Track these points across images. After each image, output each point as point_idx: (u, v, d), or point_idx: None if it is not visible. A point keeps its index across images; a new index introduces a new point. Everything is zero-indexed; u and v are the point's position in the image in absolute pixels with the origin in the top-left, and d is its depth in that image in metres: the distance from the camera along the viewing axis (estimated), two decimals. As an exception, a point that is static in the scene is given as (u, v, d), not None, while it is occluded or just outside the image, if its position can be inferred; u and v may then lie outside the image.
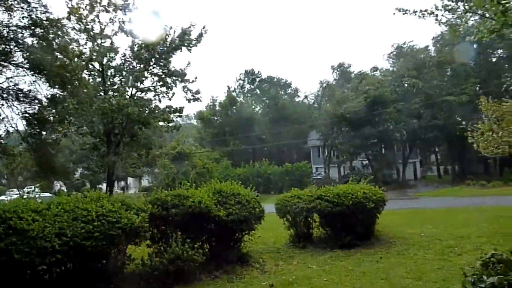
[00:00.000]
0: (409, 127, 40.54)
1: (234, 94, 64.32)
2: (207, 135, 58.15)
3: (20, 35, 12.87)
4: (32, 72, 13.40)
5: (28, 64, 13.07)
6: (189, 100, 20.54)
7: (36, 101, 14.32)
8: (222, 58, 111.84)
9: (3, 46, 12.55)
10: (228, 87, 66.91)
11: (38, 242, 5.67)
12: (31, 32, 12.93)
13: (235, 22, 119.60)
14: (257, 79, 69.10)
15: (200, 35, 19.68)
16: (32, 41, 13.18)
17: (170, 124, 20.81)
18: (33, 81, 13.92)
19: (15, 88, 13.87)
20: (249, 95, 67.64)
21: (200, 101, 20.95)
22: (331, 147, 47.99)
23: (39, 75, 13.40)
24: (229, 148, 53.19)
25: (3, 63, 13.08)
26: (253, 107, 64.55)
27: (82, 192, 7.94)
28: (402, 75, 41.29)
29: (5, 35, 12.48)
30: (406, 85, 40.61)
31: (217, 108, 60.81)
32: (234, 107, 58.88)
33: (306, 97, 68.23)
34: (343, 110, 39.25)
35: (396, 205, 19.22)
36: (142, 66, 19.28)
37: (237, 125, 56.29)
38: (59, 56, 13.42)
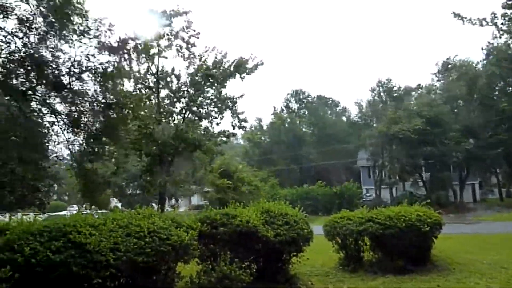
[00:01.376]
0: (466, 146, 38.39)
1: (281, 114, 64.72)
2: (254, 155, 58.58)
3: (79, 67, 13.91)
4: (91, 104, 14.39)
5: (87, 95, 14.05)
6: (234, 127, 21.21)
7: (94, 128, 15.32)
8: (267, 78, 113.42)
9: (67, 78, 13.61)
10: (274, 107, 67.66)
11: (94, 256, 5.90)
12: (89, 65, 13.92)
13: (277, 43, 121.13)
14: (305, 99, 69.09)
15: (256, 66, 20.30)
16: (95, 69, 14.19)
17: (218, 148, 21.45)
18: (92, 109, 14.95)
19: (77, 115, 14.95)
20: (296, 114, 67.63)
21: (245, 129, 21.66)
22: (381, 168, 46.48)
23: (97, 106, 14.34)
24: (277, 167, 53.13)
25: (65, 93, 14.18)
26: (301, 127, 64.36)
27: (135, 209, 8.21)
28: (453, 91, 39.45)
29: (60, 67, 13.53)
30: (459, 102, 38.70)
31: (264, 128, 61.36)
32: (282, 127, 59.07)
33: (348, 117, 66.83)
34: (395, 130, 38.05)
35: (454, 229, 18.09)
36: (197, 91, 20.10)
37: (284, 145, 56.32)
38: (116, 88, 14.29)
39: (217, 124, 21.15)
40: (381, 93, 49.43)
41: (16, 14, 12.53)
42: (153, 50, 19.63)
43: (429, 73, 60.08)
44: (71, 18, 12.71)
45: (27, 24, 12.59)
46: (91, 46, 13.84)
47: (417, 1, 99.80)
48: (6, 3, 12.37)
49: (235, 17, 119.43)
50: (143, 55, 19.31)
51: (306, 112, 67.66)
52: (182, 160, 20.07)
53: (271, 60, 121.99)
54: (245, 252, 8.53)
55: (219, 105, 20.77)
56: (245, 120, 21.56)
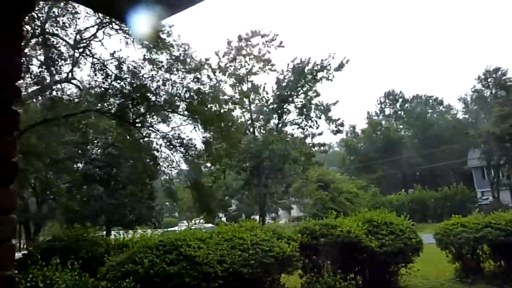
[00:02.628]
0: None
1: (376, 118, 62.17)
2: (351, 163, 56.96)
3: (181, 90, 15.24)
4: (192, 121, 15.62)
5: (188, 114, 15.29)
6: (334, 132, 21.00)
7: (195, 146, 16.60)
8: (358, 82, 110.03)
9: (171, 100, 14.98)
10: (368, 112, 65.19)
11: (204, 268, 6.29)
12: (188, 87, 15.18)
13: (364, 45, 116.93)
14: (400, 100, 65.37)
15: (341, 65, 20.01)
16: (191, 94, 15.40)
17: (313, 159, 21.37)
18: (192, 129, 16.29)
19: (179, 135, 16.38)
20: (392, 117, 64.28)
21: (342, 132, 21.32)
22: (498, 167, 41.50)
23: (196, 123, 15.50)
24: (376, 175, 50.90)
25: (171, 113, 15.62)
26: (398, 130, 60.94)
27: (238, 222, 8.59)
28: None
29: (171, 91, 14.92)
30: None
31: (360, 134, 59.49)
32: (378, 132, 56.67)
33: (454, 114, 60.86)
34: (506, 127, 33.95)
35: None
36: (284, 101, 20.48)
37: (383, 150, 53.79)
38: (212, 106, 15.35)
39: (316, 128, 21.14)
40: (490, 84, 44.14)
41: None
42: (242, 70, 20.53)
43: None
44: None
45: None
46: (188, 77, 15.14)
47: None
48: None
49: (319, 22, 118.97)
50: (232, 77, 20.32)
51: (403, 114, 63.92)
52: (276, 172, 20.46)
53: (361, 64, 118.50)
54: (348, 263, 8.33)
55: (311, 114, 20.80)
56: (341, 124, 21.24)
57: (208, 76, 16.86)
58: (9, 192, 1.03)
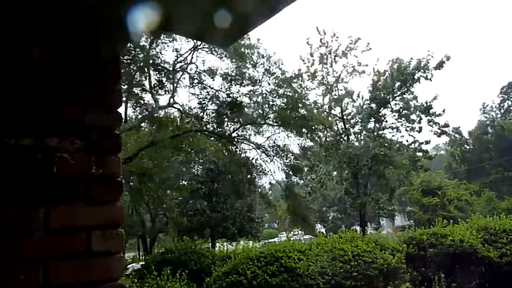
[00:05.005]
0: None
1: (493, 114, 55.77)
2: (462, 165, 51.76)
3: (270, 98, 15.56)
4: (283, 128, 15.80)
5: (278, 122, 15.50)
6: (438, 135, 19.54)
7: (290, 154, 16.66)
8: (465, 77, 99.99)
9: (260, 110, 15.37)
10: (483, 104, 58.64)
11: (305, 279, 6.28)
12: (276, 94, 15.43)
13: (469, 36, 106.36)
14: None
15: (441, 63, 18.62)
16: (281, 101, 15.61)
17: (418, 164, 20.00)
18: (286, 136, 16.41)
19: (273, 144, 16.65)
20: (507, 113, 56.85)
21: (449, 135, 19.67)
22: None
23: (288, 130, 15.63)
24: (490, 178, 45.59)
25: (262, 123, 16.01)
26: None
27: (337, 234, 8.39)
28: None
29: (262, 103, 15.31)
30: None
31: (465, 134, 53.96)
32: (491, 130, 50.82)
33: None
34: None
35: None
36: (379, 105, 19.61)
37: (499, 150, 48.02)
38: (300, 110, 15.33)
39: (419, 133, 19.87)
40: None
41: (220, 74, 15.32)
42: (330, 79, 20.21)
43: None
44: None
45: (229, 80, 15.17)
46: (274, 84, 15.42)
47: None
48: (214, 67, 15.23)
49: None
50: (323, 86, 20.12)
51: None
52: (377, 179, 19.55)
53: (466, 58, 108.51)
54: (464, 276, 7.55)
55: (411, 116, 19.57)
56: (446, 125, 19.65)
57: (300, 85, 16.84)
58: (117, 208, 1.16)
